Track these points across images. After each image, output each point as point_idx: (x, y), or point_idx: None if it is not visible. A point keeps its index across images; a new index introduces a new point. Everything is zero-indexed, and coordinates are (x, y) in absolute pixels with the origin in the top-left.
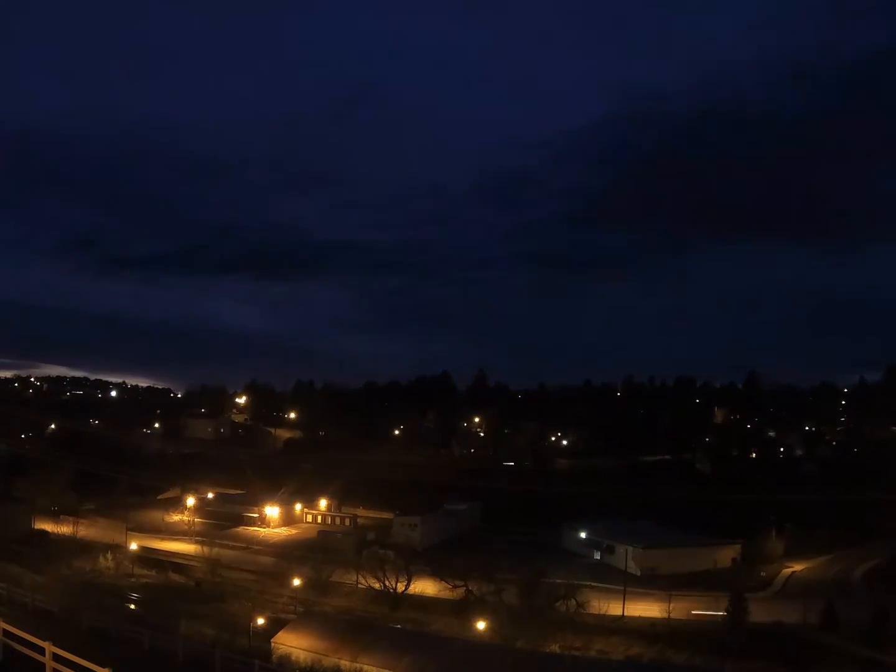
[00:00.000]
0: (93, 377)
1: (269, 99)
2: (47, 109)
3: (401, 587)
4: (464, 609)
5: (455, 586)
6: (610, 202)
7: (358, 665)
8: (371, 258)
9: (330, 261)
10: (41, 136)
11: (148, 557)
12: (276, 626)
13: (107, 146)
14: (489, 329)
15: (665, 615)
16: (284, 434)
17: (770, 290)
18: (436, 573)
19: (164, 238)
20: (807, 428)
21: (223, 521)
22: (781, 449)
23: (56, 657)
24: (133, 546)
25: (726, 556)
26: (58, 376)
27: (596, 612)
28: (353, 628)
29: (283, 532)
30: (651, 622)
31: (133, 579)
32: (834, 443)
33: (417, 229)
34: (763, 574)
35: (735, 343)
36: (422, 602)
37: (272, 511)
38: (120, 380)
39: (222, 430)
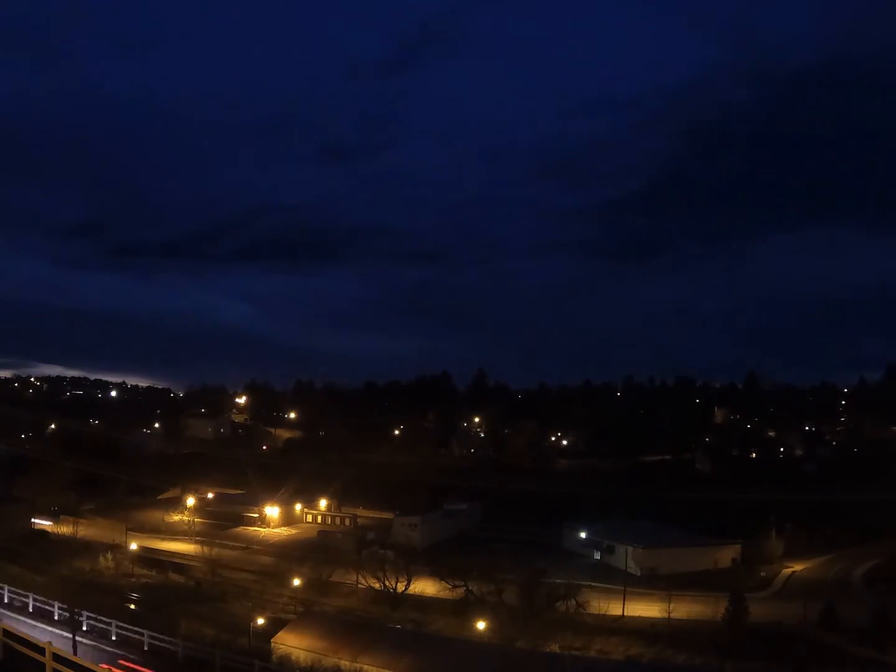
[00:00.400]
0: (92, 377)
1: (290, 58)
2: (28, 92)
3: (401, 587)
4: (464, 609)
5: (455, 586)
6: (683, 180)
7: (358, 665)
8: (403, 245)
9: (355, 249)
10: (29, 123)
11: (148, 557)
12: (276, 626)
13: (102, 128)
14: (512, 327)
15: (665, 615)
16: (284, 434)
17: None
18: (436, 573)
19: (166, 228)
20: (807, 428)
21: (223, 521)
22: (781, 449)
23: (56, 657)
24: (133, 546)
25: (726, 556)
26: (58, 376)
27: (596, 612)
28: (353, 628)
29: (283, 532)
30: (651, 622)
31: (133, 579)
32: (834, 443)
33: (465, 210)
34: (763, 574)
35: (739, 342)
36: (422, 602)
37: (272, 511)
38: (120, 380)
39: (222, 430)
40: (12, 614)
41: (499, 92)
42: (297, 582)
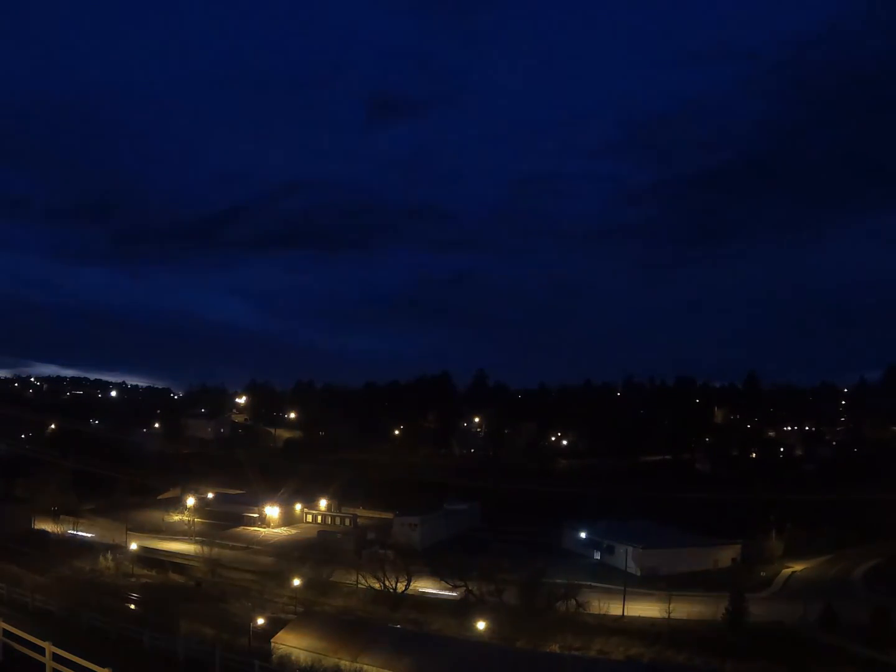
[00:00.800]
0: (92, 377)
1: None
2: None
3: (401, 587)
4: (464, 609)
5: (455, 586)
6: (773, 156)
7: (358, 665)
8: (446, 231)
9: (391, 234)
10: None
11: (148, 557)
12: (276, 626)
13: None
14: (533, 324)
15: (665, 615)
16: (284, 434)
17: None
18: (436, 573)
19: (161, 217)
20: (807, 428)
21: (223, 521)
22: (781, 449)
23: (56, 657)
24: (133, 546)
25: (726, 556)
26: (57, 376)
27: (596, 612)
28: (353, 628)
29: (283, 532)
30: (651, 622)
31: (133, 579)
32: (834, 443)
33: (524, 188)
34: (763, 574)
35: (740, 342)
36: (422, 602)
37: (272, 511)
38: (119, 380)
39: (222, 430)
40: None
41: (587, 40)
42: (297, 582)
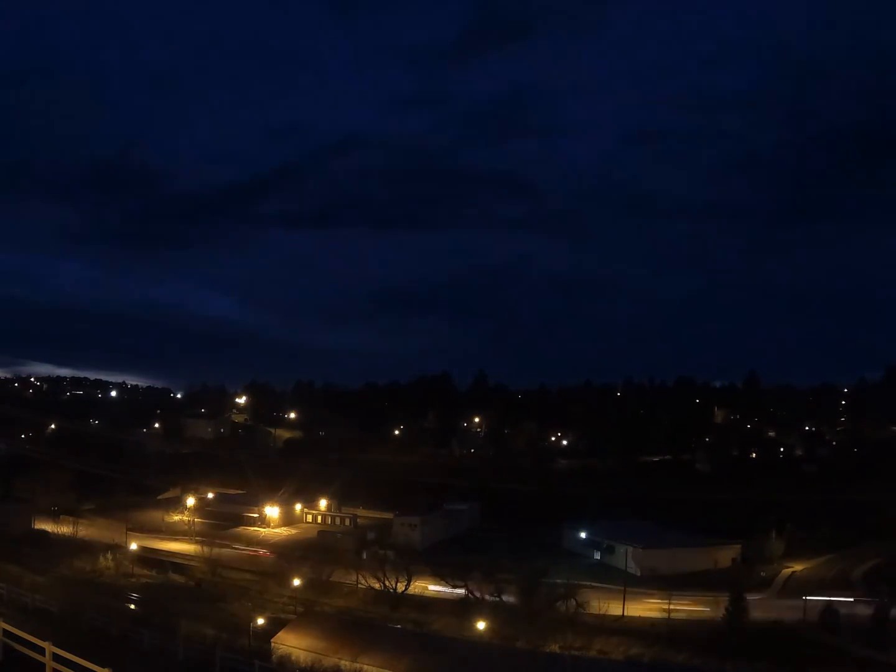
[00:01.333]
0: (92, 377)
1: None
2: None
3: (401, 587)
4: (464, 609)
5: (455, 586)
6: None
7: (358, 665)
8: (524, 203)
9: (443, 210)
10: None
11: (148, 557)
12: (276, 626)
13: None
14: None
15: (665, 615)
16: (284, 434)
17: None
18: (436, 573)
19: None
20: (807, 428)
21: (223, 521)
22: (781, 449)
23: (56, 657)
24: (133, 546)
25: (726, 556)
26: (58, 376)
27: (596, 612)
28: (353, 628)
29: (283, 532)
30: (651, 622)
31: (133, 579)
32: (834, 443)
33: (626, 150)
34: (763, 574)
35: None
36: (422, 602)
37: (272, 511)
38: (120, 379)
39: (222, 430)
40: None
41: None
42: (297, 582)
